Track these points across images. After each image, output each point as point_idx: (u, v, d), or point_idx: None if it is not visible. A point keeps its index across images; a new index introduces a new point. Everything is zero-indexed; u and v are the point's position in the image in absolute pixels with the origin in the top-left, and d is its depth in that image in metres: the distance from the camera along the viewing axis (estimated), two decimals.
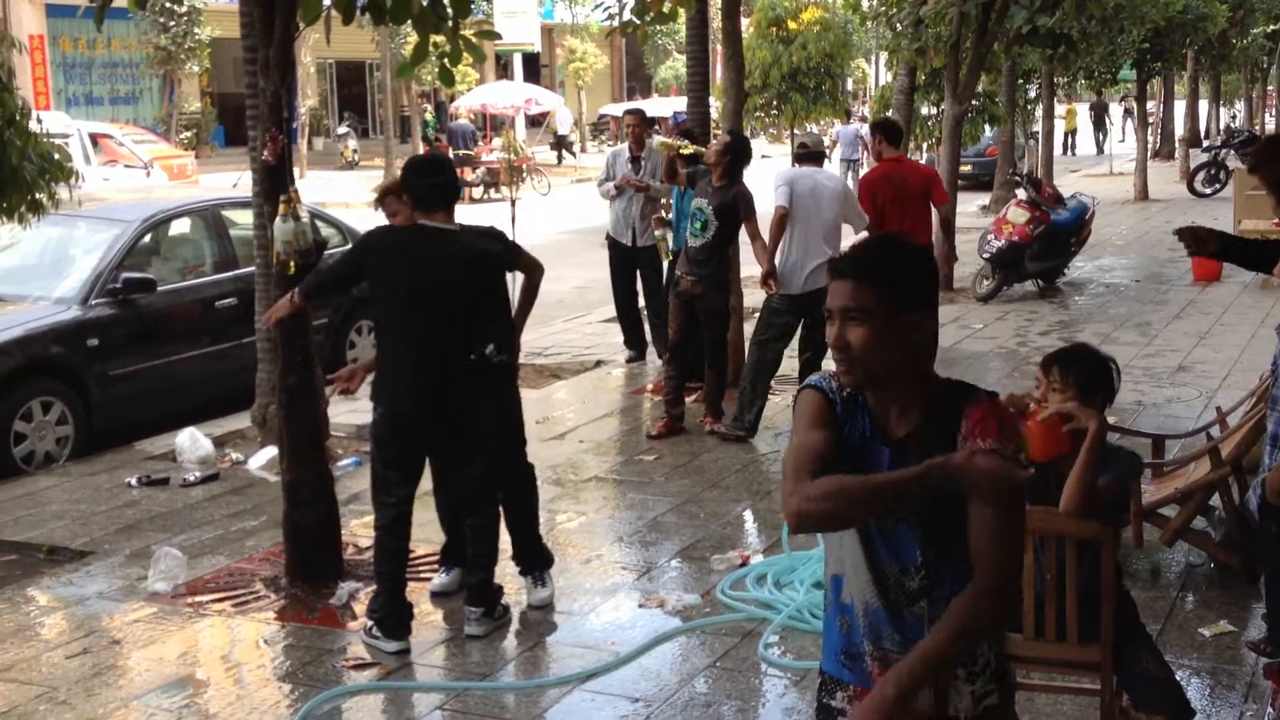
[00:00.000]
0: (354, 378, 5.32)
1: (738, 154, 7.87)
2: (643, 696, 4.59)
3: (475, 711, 4.50)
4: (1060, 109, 35.03)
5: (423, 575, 5.66)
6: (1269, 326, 9.04)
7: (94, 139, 20.67)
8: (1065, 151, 36.18)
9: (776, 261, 7.72)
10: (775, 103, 13.77)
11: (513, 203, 11.81)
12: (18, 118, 5.68)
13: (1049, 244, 12.87)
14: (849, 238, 8.65)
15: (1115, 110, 42.18)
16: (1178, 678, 3.92)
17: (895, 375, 2.39)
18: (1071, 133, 37.97)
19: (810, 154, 8.19)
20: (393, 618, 5.00)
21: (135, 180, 19.84)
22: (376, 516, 5.14)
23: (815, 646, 4.94)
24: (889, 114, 14.04)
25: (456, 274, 4.94)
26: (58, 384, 7.87)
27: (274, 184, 5.68)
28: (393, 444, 5.06)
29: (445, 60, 6.03)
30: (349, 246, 5.21)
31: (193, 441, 7.63)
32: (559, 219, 20.62)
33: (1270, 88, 39.77)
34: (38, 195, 5.84)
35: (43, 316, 8.04)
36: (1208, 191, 22.70)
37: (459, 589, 5.42)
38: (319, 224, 8.95)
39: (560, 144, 35.91)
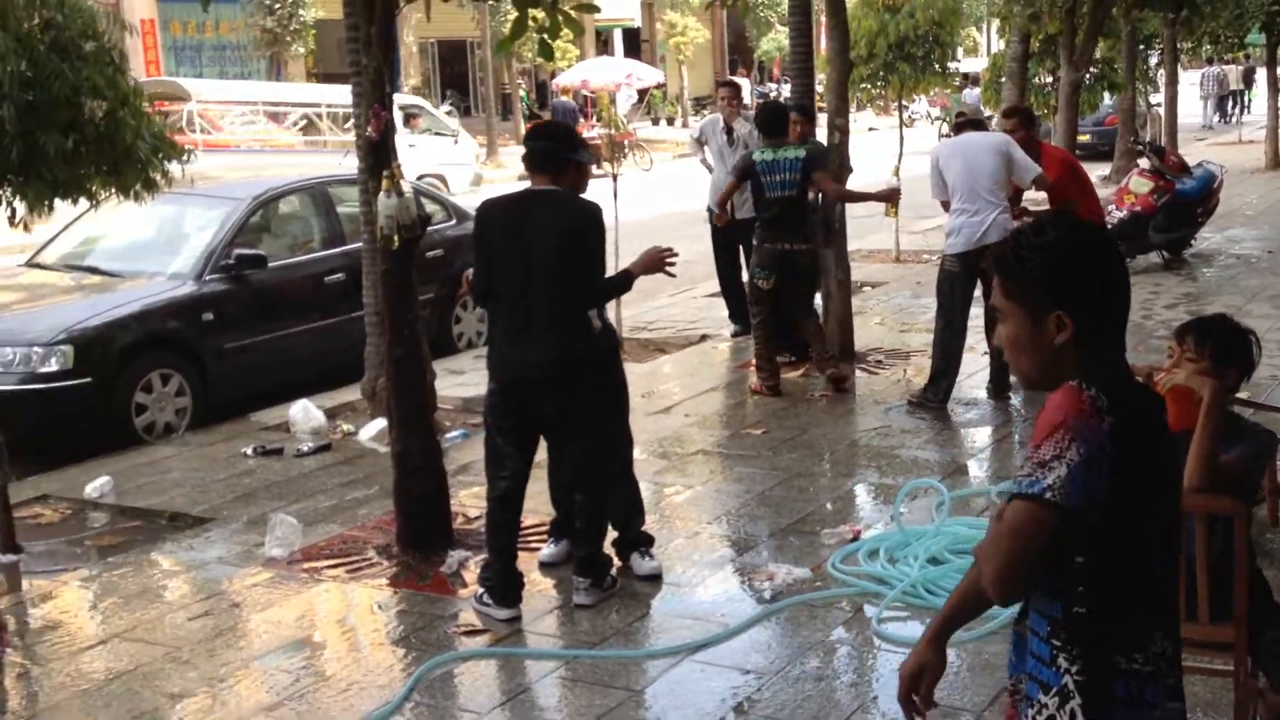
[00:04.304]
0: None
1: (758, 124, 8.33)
2: (753, 669, 4.55)
3: (586, 679, 4.51)
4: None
5: (532, 545, 5.69)
6: None
7: (404, 112, 21.49)
8: (1230, 114, 34.66)
9: (947, 222, 7.89)
10: (882, 74, 13.48)
11: (614, 178, 11.77)
12: (131, 98, 5.80)
13: (1174, 214, 12.48)
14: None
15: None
16: None
17: (1038, 383, 2.21)
18: (1238, 93, 36.17)
19: (969, 121, 8.21)
20: (504, 586, 5.03)
21: (444, 148, 20.90)
22: (489, 489, 5.15)
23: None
24: (1001, 82, 13.75)
25: (557, 238, 4.90)
26: (176, 357, 8.06)
27: (378, 160, 5.73)
28: (506, 415, 5.07)
29: (544, 35, 6.02)
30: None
31: (305, 413, 7.76)
32: (661, 194, 20.58)
33: None
34: (152, 174, 5.96)
35: (159, 292, 8.24)
36: None
37: (567, 560, 5.43)
38: (422, 200, 9.04)
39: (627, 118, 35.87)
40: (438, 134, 21.71)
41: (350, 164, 11.26)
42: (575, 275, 4.94)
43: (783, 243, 8.09)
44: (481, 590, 5.08)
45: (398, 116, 20.71)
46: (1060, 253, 2.14)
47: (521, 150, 5.36)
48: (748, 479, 6.63)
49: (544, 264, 4.89)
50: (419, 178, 19.75)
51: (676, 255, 5.27)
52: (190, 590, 5.46)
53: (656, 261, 5.21)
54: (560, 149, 5.07)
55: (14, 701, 4.55)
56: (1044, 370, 2.19)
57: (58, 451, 7.37)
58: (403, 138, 20.26)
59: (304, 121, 21.13)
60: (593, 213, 5.04)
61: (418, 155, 20.30)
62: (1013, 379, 7.94)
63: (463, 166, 21.28)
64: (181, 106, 20.18)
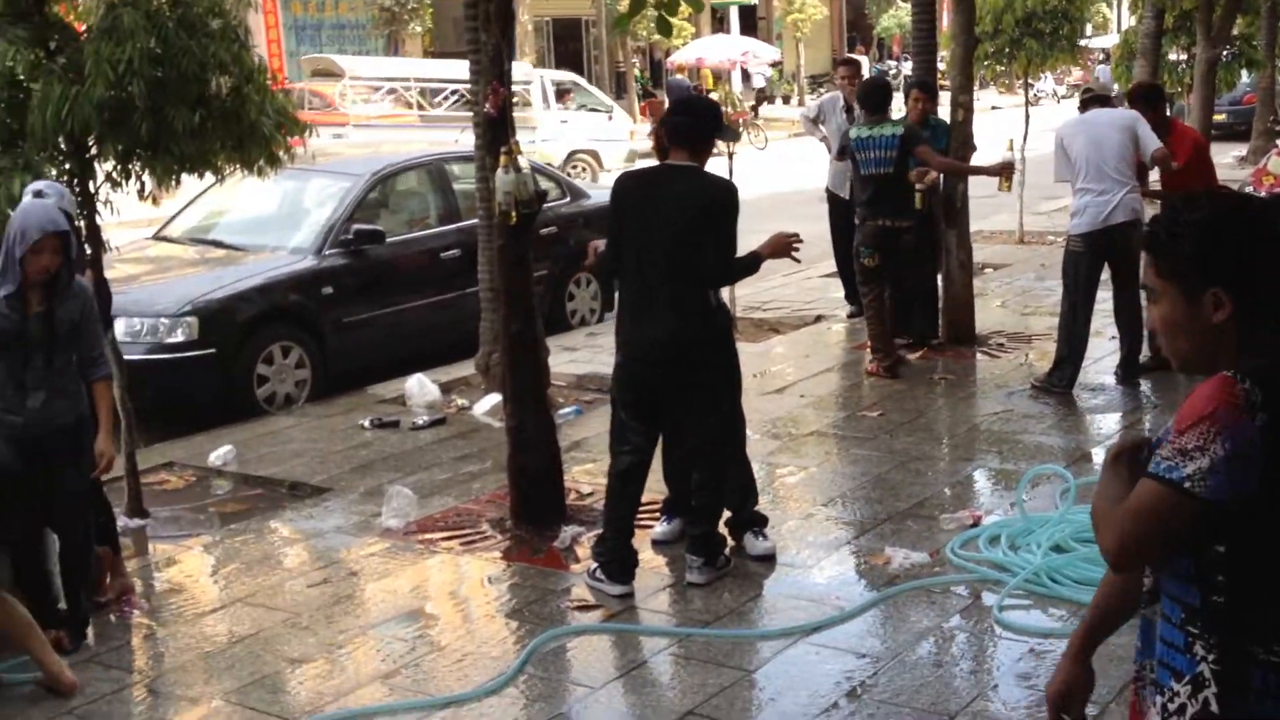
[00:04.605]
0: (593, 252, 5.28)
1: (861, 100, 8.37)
2: (869, 653, 4.47)
3: (699, 658, 4.47)
4: None
5: (644, 523, 5.66)
6: None
7: (557, 87, 21.66)
8: None
9: (1071, 203, 7.64)
10: (1008, 50, 13.12)
11: (730, 157, 11.66)
12: (255, 74, 5.88)
13: None
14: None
15: None
16: None
17: (1195, 365, 2.11)
18: None
19: (1095, 98, 7.91)
20: (618, 562, 5.01)
21: (597, 124, 20.95)
22: (612, 463, 5.13)
23: (1053, 612, 4.73)
24: (1135, 60, 13.31)
25: (690, 215, 4.83)
26: (296, 330, 8.20)
27: (495, 136, 5.72)
28: (632, 389, 5.04)
29: (662, 11, 5.95)
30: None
31: (421, 387, 7.84)
32: (776, 172, 20.40)
33: None
34: (275, 149, 6.04)
35: (281, 266, 8.39)
36: None
37: (680, 538, 5.39)
38: (538, 177, 9.05)
39: (760, 97, 35.60)
40: (592, 110, 21.57)
41: (466, 141, 11.38)
42: (704, 254, 4.86)
43: (883, 219, 7.98)
44: (595, 566, 5.07)
45: (550, 92, 20.87)
46: (1215, 228, 2.06)
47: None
48: (863, 461, 6.51)
49: (674, 240, 4.83)
50: (570, 154, 19.75)
51: (802, 242, 5.20)
52: (309, 558, 5.55)
53: (784, 246, 5.14)
54: (702, 124, 5.00)
55: (140, 661, 4.68)
56: (1200, 351, 2.09)
57: (182, 420, 7.56)
58: (554, 113, 20.38)
59: (457, 98, 21.22)
60: (730, 191, 4.95)
61: (570, 131, 20.24)
62: (1142, 360, 7.68)
63: (616, 143, 21.03)
64: (334, 83, 20.47)
